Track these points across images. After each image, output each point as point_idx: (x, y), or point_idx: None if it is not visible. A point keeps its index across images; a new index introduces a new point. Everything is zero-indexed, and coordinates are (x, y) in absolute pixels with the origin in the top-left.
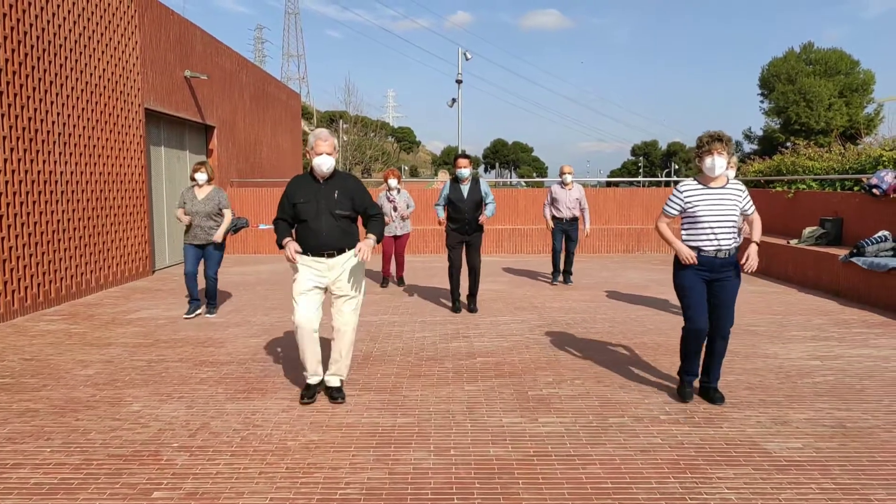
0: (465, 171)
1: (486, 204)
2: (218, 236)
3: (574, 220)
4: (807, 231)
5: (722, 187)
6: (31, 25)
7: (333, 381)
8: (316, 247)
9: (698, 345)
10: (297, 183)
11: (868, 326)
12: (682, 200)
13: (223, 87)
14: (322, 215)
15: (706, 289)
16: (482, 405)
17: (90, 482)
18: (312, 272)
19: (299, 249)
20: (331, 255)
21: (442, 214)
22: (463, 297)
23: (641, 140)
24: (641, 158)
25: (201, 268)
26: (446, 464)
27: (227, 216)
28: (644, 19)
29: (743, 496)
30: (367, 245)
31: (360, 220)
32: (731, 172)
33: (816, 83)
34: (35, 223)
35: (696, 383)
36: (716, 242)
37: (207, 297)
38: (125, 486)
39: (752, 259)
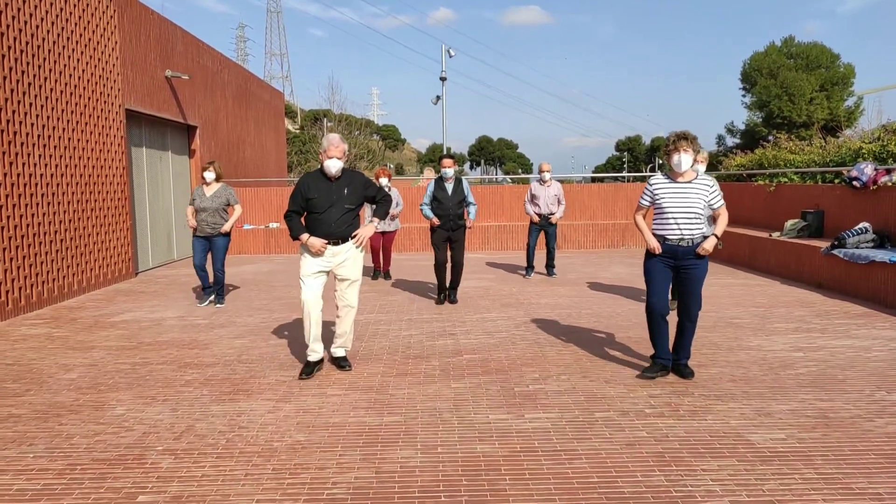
0: (449, 170)
1: (468, 205)
2: (226, 227)
3: (551, 216)
4: (788, 224)
5: (689, 182)
6: (7, 27)
7: (340, 352)
8: (325, 235)
9: (659, 325)
10: (310, 179)
11: (850, 317)
12: (652, 193)
13: (205, 86)
14: (333, 208)
15: (672, 275)
16: (469, 402)
17: (74, 487)
18: (319, 258)
19: (324, 241)
20: (336, 243)
21: (431, 214)
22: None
23: (625, 135)
24: (626, 153)
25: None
26: (433, 461)
27: (237, 210)
28: (625, 15)
29: (727, 487)
30: (364, 230)
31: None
32: (702, 167)
33: (798, 77)
34: (15, 226)
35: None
36: (679, 232)
37: (216, 289)
38: (110, 491)
39: (705, 244)
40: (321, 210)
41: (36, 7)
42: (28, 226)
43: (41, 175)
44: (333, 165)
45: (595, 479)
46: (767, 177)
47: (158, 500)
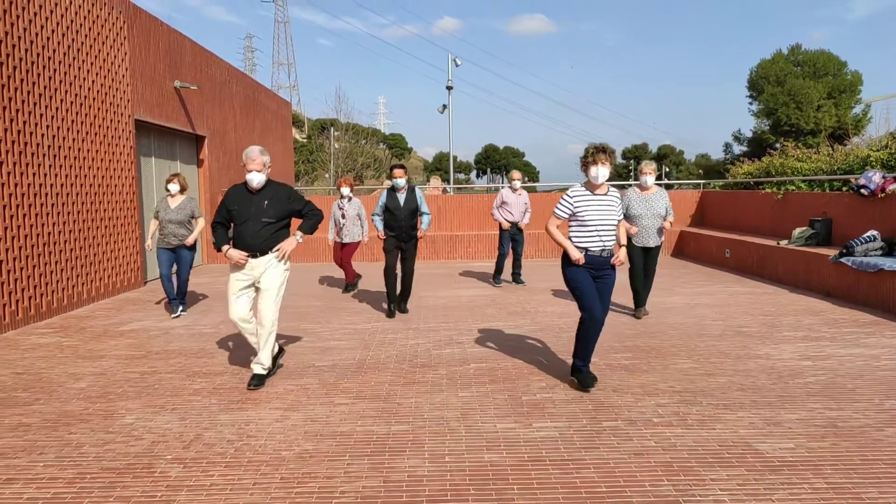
0: (400, 180)
1: (422, 214)
2: (189, 240)
3: (520, 222)
4: (796, 232)
5: (605, 194)
6: (19, 38)
7: (256, 368)
8: (244, 248)
9: (597, 332)
10: (233, 191)
11: (858, 326)
12: (573, 205)
13: (213, 96)
14: (251, 221)
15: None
16: (476, 411)
17: (84, 496)
18: (240, 271)
19: (244, 254)
20: (254, 256)
21: (380, 226)
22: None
23: (631, 143)
24: (632, 161)
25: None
26: (441, 471)
27: (200, 223)
28: (630, 23)
29: (736, 497)
30: (286, 244)
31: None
32: (650, 179)
33: (805, 85)
34: (25, 236)
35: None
36: (601, 243)
37: (178, 296)
38: (119, 500)
39: (620, 255)
40: (239, 222)
41: (46, 19)
42: (38, 235)
43: (51, 185)
44: (254, 178)
45: (603, 488)
46: (775, 185)
47: None
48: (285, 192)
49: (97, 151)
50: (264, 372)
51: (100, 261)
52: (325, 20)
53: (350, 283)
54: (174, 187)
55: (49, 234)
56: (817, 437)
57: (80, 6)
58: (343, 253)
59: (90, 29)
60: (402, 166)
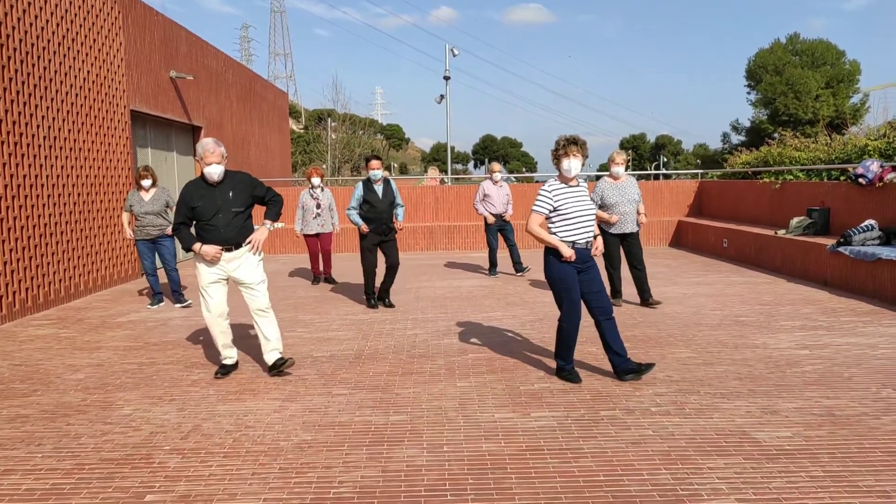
0: (377, 172)
1: (397, 206)
2: (170, 230)
3: (506, 213)
4: (794, 221)
5: (577, 185)
6: (13, 28)
7: (274, 356)
8: (218, 242)
9: (577, 332)
10: (192, 188)
11: (856, 315)
12: (553, 200)
13: (210, 87)
14: (220, 213)
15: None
16: (474, 401)
17: (82, 487)
18: (213, 267)
19: (218, 248)
20: (229, 250)
21: (359, 221)
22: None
23: (630, 133)
24: (630, 151)
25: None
26: (439, 460)
27: None
28: (629, 13)
29: (734, 485)
30: (259, 234)
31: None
32: (620, 170)
33: (804, 74)
34: (22, 227)
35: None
36: (585, 236)
37: (173, 289)
38: (118, 490)
39: (598, 244)
40: (208, 217)
41: (41, 9)
42: (34, 227)
43: (47, 176)
44: (214, 171)
45: (601, 477)
46: (773, 174)
47: (166, 499)
48: (246, 179)
49: (93, 142)
50: (280, 354)
51: (97, 252)
52: (323, 10)
53: (328, 274)
54: (147, 182)
55: (45, 225)
56: (814, 426)
57: None
58: (322, 242)
59: (85, 19)
60: (378, 157)
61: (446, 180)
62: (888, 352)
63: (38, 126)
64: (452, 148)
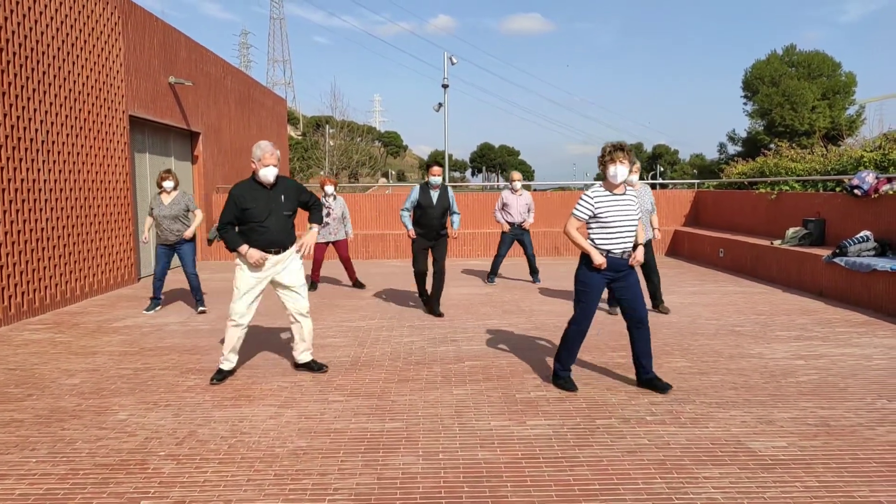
0: (437, 178)
1: (452, 214)
2: (188, 233)
3: (524, 222)
4: (790, 232)
5: (623, 194)
6: (13, 32)
7: (307, 357)
8: (268, 244)
9: (581, 340)
10: (244, 189)
11: (851, 326)
12: (593, 206)
13: (208, 92)
14: (272, 216)
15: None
16: (470, 409)
17: (77, 492)
18: (258, 270)
19: (263, 253)
20: (277, 252)
21: (409, 225)
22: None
23: (627, 143)
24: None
25: (177, 271)
26: (435, 468)
27: (199, 215)
28: (626, 24)
29: (729, 495)
30: (308, 238)
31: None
32: (635, 177)
33: (800, 85)
34: (18, 231)
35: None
36: (622, 245)
37: (194, 294)
38: (112, 496)
39: (637, 254)
40: (261, 219)
41: (41, 13)
42: (31, 231)
43: (44, 181)
44: (271, 173)
45: (596, 486)
46: (769, 185)
47: None
48: (294, 184)
49: (91, 147)
50: (311, 356)
51: (93, 257)
52: (322, 18)
53: (355, 279)
54: (169, 184)
55: (42, 229)
56: (809, 436)
57: (74, 1)
58: (339, 249)
59: (84, 24)
60: (439, 164)
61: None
62: (883, 362)
63: (35, 130)
64: (450, 156)
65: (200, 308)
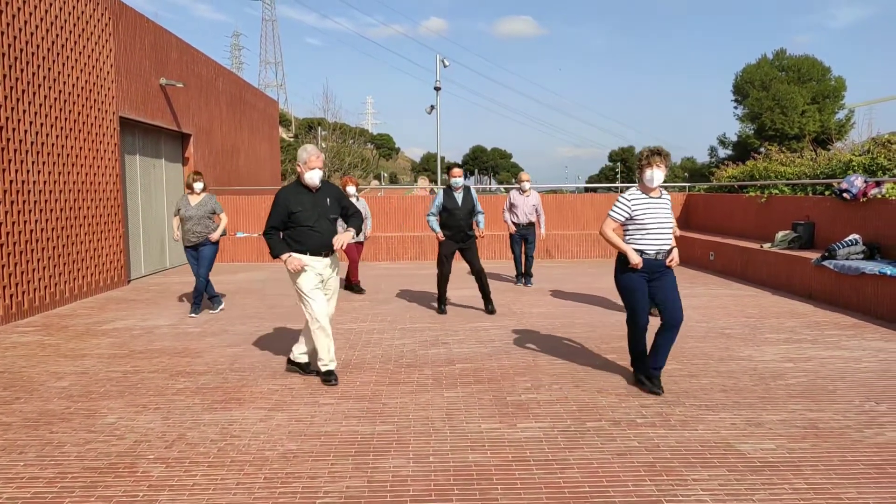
0: (459, 180)
1: (477, 213)
2: (214, 236)
3: (531, 224)
4: (779, 235)
5: (659, 197)
6: (2, 33)
7: (332, 366)
8: (318, 247)
9: (645, 341)
10: (290, 192)
11: (840, 328)
12: (630, 208)
13: (200, 94)
14: (321, 219)
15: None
16: (461, 412)
17: (65, 496)
18: (314, 270)
19: (302, 262)
20: (327, 255)
21: (437, 228)
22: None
23: (618, 146)
24: (619, 164)
25: (186, 272)
26: (425, 471)
27: (224, 218)
28: (618, 27)
29: (717, 497)
30: (345, 236)
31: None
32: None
33: (790, 90)
34: (7, 233)
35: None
36: (657, 246)
37: (194, 295)
38: (101, 500)
39: (674, 255)
40: (310, 222)
41: (31, 14)
42: (20, 233)
43: (34, 182)
44: (317, 175)
45: (586, 488)
46: (759, 188)
47: None
48: (336, 188)
49: (81, 149)
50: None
51: (82, 259)
52: (315, 20)
53: (357, 283)
54: (199, 185)
55: (31, 231)
56: (798, 438)
57: (64, 2)
58: (350, 252)
59: (75, 25)
60: (459, 165)
61: (436, 190)
62: (871, 365)
63: (25, 131)
64: (443, 158)
65: (192, 314)
